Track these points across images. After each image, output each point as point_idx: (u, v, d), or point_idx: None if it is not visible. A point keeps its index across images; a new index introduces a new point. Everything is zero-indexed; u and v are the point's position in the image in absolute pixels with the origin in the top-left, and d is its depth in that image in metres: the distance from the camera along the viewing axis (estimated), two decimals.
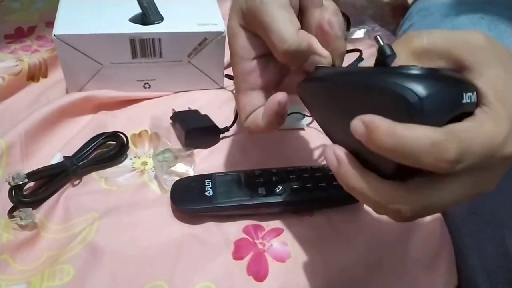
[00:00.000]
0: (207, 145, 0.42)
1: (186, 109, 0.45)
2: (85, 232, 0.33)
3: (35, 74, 0.49)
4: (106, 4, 0.47)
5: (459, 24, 0.46)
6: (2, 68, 0.46)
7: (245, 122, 0.30)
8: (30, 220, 0.33)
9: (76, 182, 0.37)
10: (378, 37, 0.22)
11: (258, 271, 0.32)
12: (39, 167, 0.36)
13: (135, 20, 0.45)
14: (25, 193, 0.35)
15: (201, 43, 0.46)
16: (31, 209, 0.33)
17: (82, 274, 0.30)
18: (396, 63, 0.22)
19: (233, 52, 0.30)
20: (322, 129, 0.27)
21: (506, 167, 0.22)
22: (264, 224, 0.35)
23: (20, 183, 0.34)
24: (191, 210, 0.35)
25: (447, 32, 0.22)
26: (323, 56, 0.26)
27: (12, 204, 0.34)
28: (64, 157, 0.37)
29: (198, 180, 0.36)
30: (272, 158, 0.41)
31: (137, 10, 0.46)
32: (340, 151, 0.22)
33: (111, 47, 0.44)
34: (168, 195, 0.36)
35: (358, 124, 0.20)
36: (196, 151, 0.41)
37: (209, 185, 0.36)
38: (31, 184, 0.36)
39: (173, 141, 0.43)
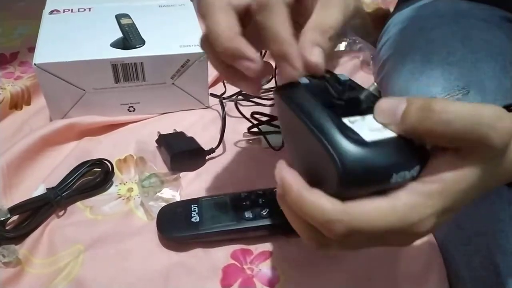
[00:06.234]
0: (193, 168, 0.42)
1: (172, 131, 0.45)
2: (70, 266, 0.32)
3: (18, 102, 0.49)
4: (87, 29, 0.47)
5: (434, 38, 0.46)
6: None
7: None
8: (14, 257, 0.32)
9: (60, 213, 0.37)
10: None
11: None
12: (23, 198, 0.36)
13: (117, 44, 0.45)
14: (8, 228, 0.34)
15: (184, 65, 0.46)
16: (14, 245, 0.33)
17: None
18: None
19: None
20: (283, 139, 0.28)
21: (421, 237, 0.22)
22: (252, 247, 0.35)
23: (2, 219, 0.33)
24: (178, 238, 0.34)
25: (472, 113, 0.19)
26: (252, 60, 0.26)
27: None
28: (48, 189, 0.37)
29: (184, 206, 0.36)
30: (259, 177, 0.41)
31: (119, 34, 0.46)
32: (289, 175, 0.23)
33: (93, 73, 0.43)
34: (154, 222, 0.35)
35: (277, 175, 0.23)
36: (182, 174, 0.41)
37: (195, 211, 0.35)
38: (15, 217, 0.35)
39: (159, 165, 0.42)
